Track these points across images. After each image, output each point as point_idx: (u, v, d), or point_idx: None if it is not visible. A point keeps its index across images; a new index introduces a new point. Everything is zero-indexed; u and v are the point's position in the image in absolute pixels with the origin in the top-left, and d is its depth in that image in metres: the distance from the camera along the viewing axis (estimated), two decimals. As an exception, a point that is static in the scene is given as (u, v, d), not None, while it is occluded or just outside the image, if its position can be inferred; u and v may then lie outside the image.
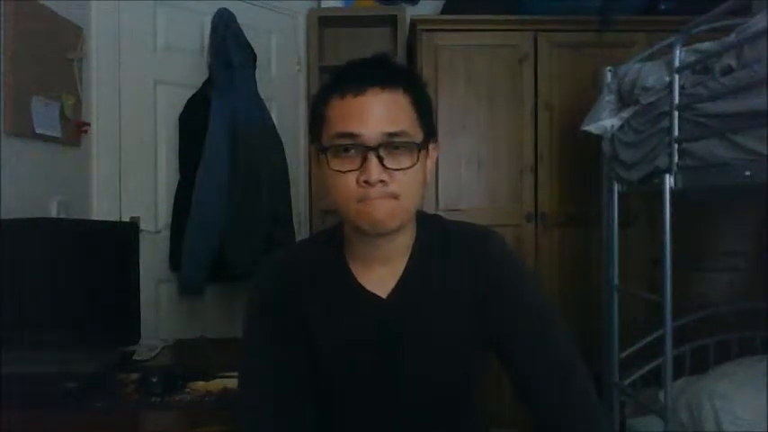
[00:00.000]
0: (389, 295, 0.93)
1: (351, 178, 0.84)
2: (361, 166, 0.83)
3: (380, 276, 0.94)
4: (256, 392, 0.94)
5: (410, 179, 0.85)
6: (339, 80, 0.87)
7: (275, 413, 0.92)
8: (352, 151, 0.84)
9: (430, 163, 0.91)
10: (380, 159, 0.82)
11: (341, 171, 0.84)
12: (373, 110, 0.84)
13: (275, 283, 0.96)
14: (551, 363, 0.91)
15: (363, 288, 0.94)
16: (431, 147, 0.91)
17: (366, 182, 0.82)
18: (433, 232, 0.97)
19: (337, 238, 0.97)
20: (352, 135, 0.83)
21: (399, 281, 0.94)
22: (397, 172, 0.84)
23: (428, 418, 0.96)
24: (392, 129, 0.84)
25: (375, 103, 0.84)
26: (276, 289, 0.96)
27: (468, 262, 0.94)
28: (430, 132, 0.90)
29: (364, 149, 0.82)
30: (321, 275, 0.96)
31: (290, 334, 0.94)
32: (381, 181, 0.83)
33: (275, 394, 0.93)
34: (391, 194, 0.84)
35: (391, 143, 0.84)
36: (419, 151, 0.86)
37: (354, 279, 0.94)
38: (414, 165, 0.85)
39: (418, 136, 0.87)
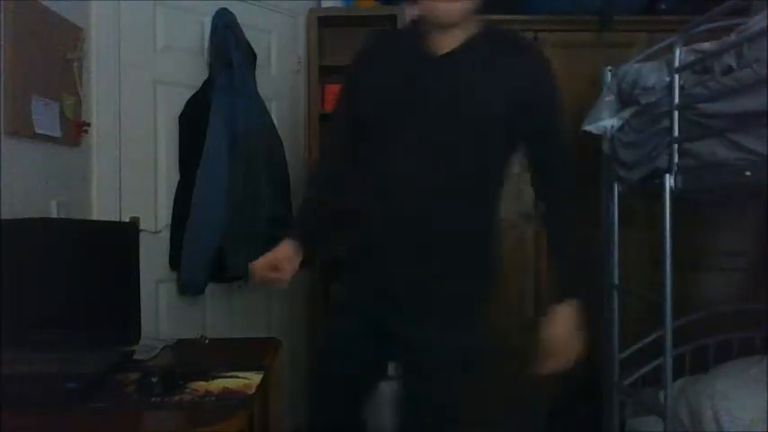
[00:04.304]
0: (447, 53, 1.32)
1: None
2: None
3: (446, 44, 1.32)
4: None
5: None
6: None
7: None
8: None
9: None
10: None
11: None
12: None
13: (368, 43, 1.43)
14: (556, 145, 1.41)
15: (428, 47, 1.32)
16: None
17: None
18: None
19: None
20: None
21: (457, 47, 1.32)
22: None
23: (455, 160, 1.31)
24: None
25: None
26: (367, 48, 1.42)
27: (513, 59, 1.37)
28: None
29: None
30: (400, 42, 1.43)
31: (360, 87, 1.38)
32: None
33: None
34: None
35: None
36: None
37: (422, 41, 1.33)
38: None
39: None
